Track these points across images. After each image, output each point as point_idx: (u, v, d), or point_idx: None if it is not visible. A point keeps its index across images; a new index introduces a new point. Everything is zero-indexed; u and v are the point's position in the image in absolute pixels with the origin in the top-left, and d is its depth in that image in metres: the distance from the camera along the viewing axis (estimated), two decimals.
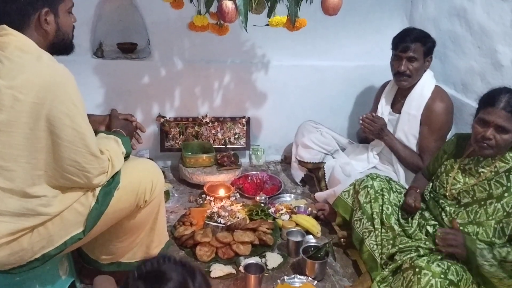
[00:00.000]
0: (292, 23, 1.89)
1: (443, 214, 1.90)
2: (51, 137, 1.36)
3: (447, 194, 1.92)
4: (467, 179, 1.86)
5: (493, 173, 1.78)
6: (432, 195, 2.01)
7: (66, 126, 1.35)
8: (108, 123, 1.81)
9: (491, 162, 1.79)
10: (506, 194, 1.72)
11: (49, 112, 1.33)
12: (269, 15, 1.92)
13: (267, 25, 1.91)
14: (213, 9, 2.00)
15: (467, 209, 1.83)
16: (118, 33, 2.92)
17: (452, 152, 1.97)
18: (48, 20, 1.44)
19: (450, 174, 1.92)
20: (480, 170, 1.82)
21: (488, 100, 1.73)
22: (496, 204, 1.74)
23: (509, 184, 1.72)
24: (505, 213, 1.71)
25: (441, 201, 1.93)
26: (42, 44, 1.45)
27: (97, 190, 1.52)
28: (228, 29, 2.08)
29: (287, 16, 1.90)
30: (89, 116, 1.51)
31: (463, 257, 1.70)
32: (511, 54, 2.08)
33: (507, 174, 1.74)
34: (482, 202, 1.78)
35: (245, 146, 3.05)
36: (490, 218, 1.74)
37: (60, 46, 1.52)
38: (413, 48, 2.28)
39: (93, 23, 2.69)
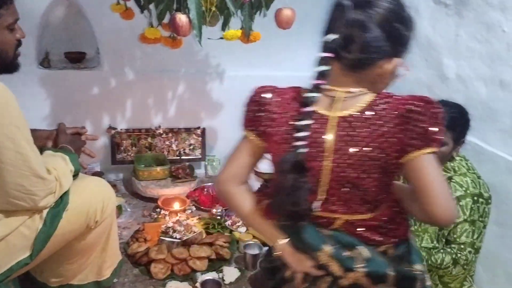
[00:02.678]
0: (246, 37, 1.89)
1: None
2: None
3: None
4: None
5: None
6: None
7: (9, 150, 1.27)
8: (55, 138, 1.73)
9: None
10: None
11: None
12: (223, 29, 1.90)
13: (222, 38, 1.89)
14: (165, 20, 1.96)
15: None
16: (65, 42, 2.80)
17: None
18: None
19: None
20: None
21: None
22: None
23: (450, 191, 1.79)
24: None
25: None
26: None
27: (45, 212, 1.44)
28: (182, 43, 2.05)
29: (242, 29, 1.89)
30: (35, 131, 1.44)
31: None
32: (456, 67, 2.17)
33: (448, 181, 1.80)
34: None
35: (200, 157, 3.01)
36: None
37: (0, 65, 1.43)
38: None
39: (38, 32, 2.57)
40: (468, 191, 1.72)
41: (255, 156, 1.15)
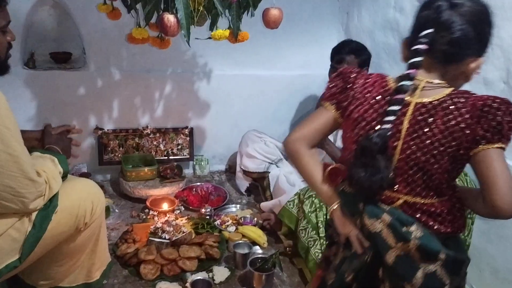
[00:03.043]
0: (235, 37, 1.89)
1: None
2: None
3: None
4: None
5: None
6: None
7: None
8: (41, 139, 1.71)
9: None
10: None
11: None
12: (211, 28, 1.90)
13: (210, 38, 1.89)
14: (153, 20, 1.96)
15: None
16: (51, 43, 2.77)
17: None
18: None
19: None
20: None
21: None
22: None
23: None
24: None
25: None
26: None
27: (34, 214, 1.42)
28: (170, 43, 2.04)
29: (230, 29, 1.89)
30: (23, 132, 1.42)
31: None
32: None
33: None
34: None
35: (188, 157, 3.01)
36: None
37: None
38: (347, 60, 2.36)
39: (23, 32, 2.54)
40: None
41: (328, 127, 1.21)
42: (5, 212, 1.38)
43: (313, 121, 1.22)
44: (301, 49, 3.00)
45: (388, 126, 1.08)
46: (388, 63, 2.61)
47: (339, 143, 2.47)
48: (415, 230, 1.09)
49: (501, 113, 1.04)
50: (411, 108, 1.11)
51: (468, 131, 1.05)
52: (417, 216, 1.13)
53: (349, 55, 2.36)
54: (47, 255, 1.58)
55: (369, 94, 1.16)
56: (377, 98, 1.14)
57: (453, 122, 1.06)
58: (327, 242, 1.38)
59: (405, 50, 1.16)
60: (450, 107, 1.07)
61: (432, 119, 1.08)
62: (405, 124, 1.11)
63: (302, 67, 3.05)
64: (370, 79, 1.19)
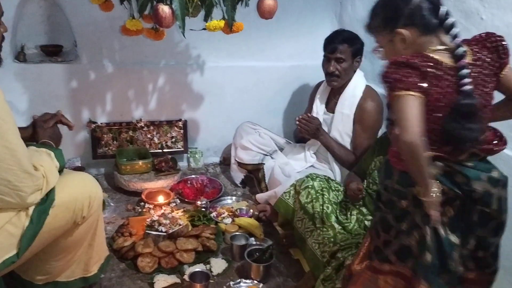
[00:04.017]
0: (229, 28, 1.88)
1: None
2: None
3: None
4: None
5: None
6: (368, 191, 2.10)
7: None
8: (33, 133, 1.68)
9: None
10: None
11: None
12: (205, 19, 1.88)
13: (204, 29, 1.88)
14: (146, 11, 1.93)
15: None
16: (41, 35, 2.74)
17: (380, 149, 2.06)
18: None
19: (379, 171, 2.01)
20: None
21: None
22: None
23: None
24: None
25: (375, 196, 2.02)
26: None
27: (31, 209, 1.40)
28: (164, 34, 2.02)
29: (224, 20, 1.88)
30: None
31: None
32: None
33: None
34: None
35: (182, 149, 3.00)
36: None
37: None
38: (340, 49, 2.35)
39: (13, 25, 2.50)
40: None
41: (422, 111, 1.24)
42: (2, 207, 1.36)
43: (414, 113, 1.22)
44: (294, 40, 2.99)
45: (470, 87, 1.22)
46: None
47: (334, 134, 2.48)
48: (497, 172, 1.31)
49: (505, 43, 1.30)
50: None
51: (496, 64, 1.30)
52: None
53: (342, 44, 2.36)
54: (44, 249, 1.56)
55: (431, 67, 1.24)
56: (437, 68, 1.24)
57: (486, 64, 1.29)
58: (379, 228, 1.43)
59: (412, 32, 1.28)
60: (477, 55, 1.29)
61: (480, 69, 1.28)
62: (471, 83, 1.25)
63: (295, 57, 3.04)
64: (419, 58, 1.25)
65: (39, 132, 1.67)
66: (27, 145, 1.51)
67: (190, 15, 1.82)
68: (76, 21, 2.58)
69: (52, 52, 2.71)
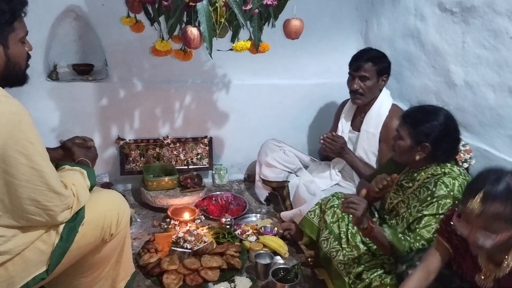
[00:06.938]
0: (256, 48, 1.90)
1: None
2: (4, 177, 1.28)
3: (385, 207, 2.01)
4: (400, 193, 1.95)
5: (416, 186, 1.86)
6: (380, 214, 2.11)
7: (23, 166, 1.27)
8: (66, 154, 1.73)
9: (415, 177, 1.88)
10: (429, 198, 1.78)
11: (3, 152, 1.25)
12: (232, 40, 1.91)
13: (231, 49, 1.91)
14: (175, 32, 1.98)
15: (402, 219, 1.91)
16: (73, 55, 2.82)
17: (392, 170, 2.03)
18: None
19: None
20: (408, 184, 1.91)
21: None
22: (420, 207, 1.81)
23: (434, 189, 1.78)
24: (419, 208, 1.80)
25: (385, 216, 2.03)
26: None
27: (61, 226, 1.44)
28: (192, 55, 2.06)
29: (251, 41, 1.90)
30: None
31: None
32: (464, 74, 2.18)
33: (435, 180, 1.80)
34: (413, 208, 1.85)
35: (208, 166, 3.03)
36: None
37: (12, 78, 1.42)
38: (364, 67, 2.36)
39: (47, 45, 2.59)
40: (452, 193, 1.74)
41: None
42: (32, 225, 1.40)
43: None
44: (319, 58, 3.00)
45: None
46: (409, 71, 2.59)
47: (359, 152, 2.46)
48: None
49: None
50: None
51: None
52: None
53: (367, 62, 2.36)
54: (73, 266, 1.59)
55: None
56: None
57: None
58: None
59: None
60: None
61: None
62: None
63: (320, 75, 3.05)
64: None
65: (75, 151, 1.72)
66: (62, 164, 1.56)
67: (218, 36, 1.85)
68: (106, 41, 2.66)
69: (83, 71, 2.79)
